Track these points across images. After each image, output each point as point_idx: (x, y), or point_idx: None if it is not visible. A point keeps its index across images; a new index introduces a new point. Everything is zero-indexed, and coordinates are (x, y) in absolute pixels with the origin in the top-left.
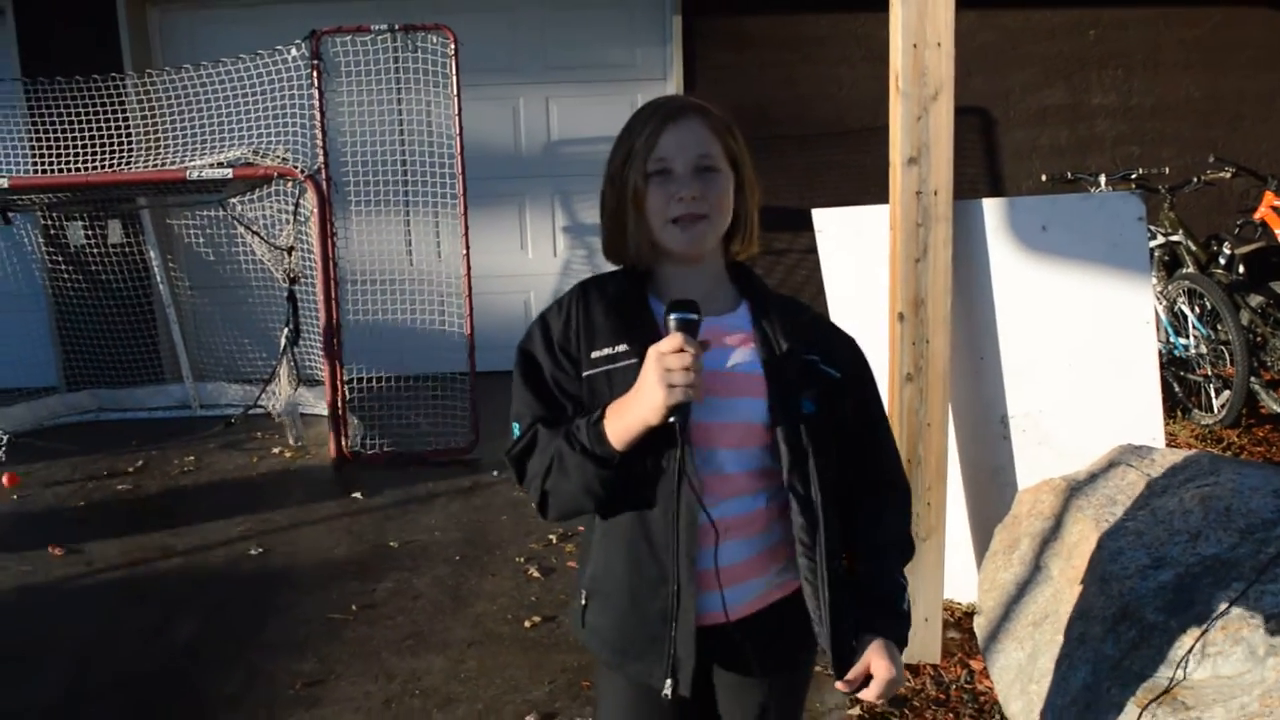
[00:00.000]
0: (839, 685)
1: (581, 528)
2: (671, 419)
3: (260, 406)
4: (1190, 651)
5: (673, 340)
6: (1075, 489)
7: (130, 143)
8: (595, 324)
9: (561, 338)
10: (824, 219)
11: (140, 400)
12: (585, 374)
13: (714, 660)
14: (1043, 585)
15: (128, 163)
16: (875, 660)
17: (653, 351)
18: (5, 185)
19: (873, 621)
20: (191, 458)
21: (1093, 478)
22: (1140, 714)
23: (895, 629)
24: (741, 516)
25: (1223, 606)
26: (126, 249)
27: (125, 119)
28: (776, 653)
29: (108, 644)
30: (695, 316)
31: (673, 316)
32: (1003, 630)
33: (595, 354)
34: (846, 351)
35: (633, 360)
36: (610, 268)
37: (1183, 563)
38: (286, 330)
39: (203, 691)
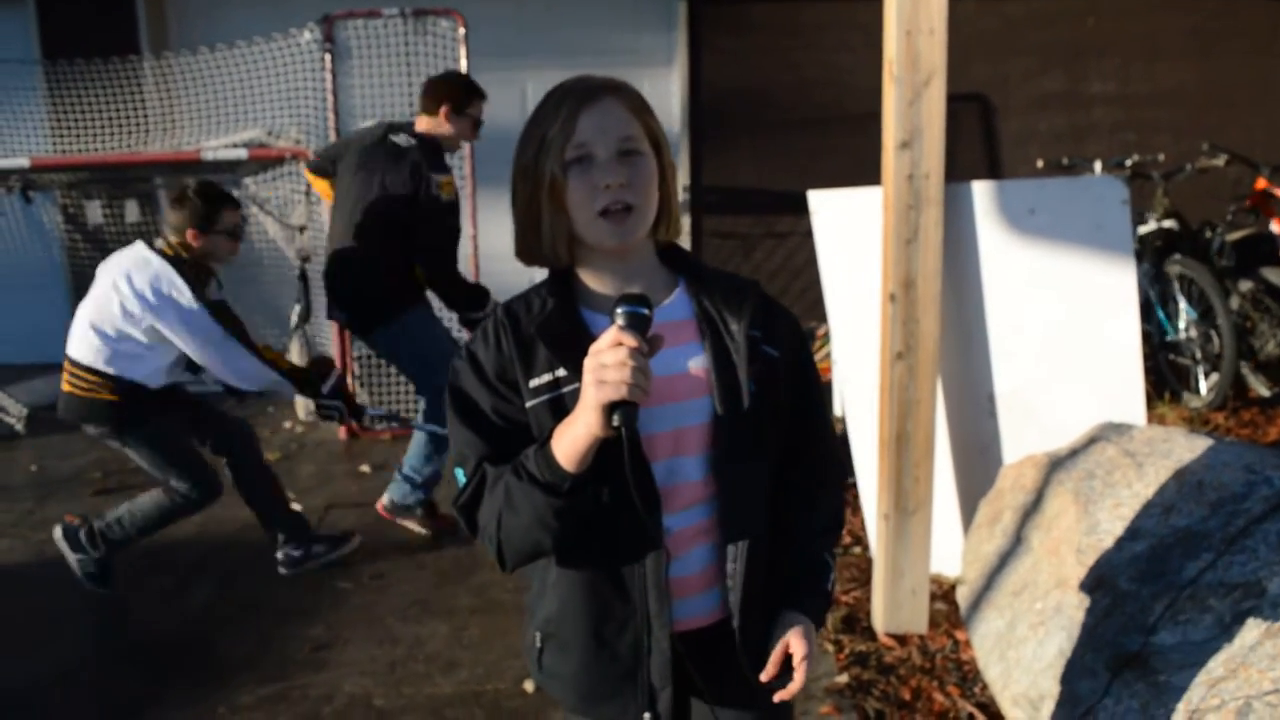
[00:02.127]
0: (762, 678)
1: None
2: (615, 424)
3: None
4: (1161, 619)
5: (607, 336)
6: (1056, 464)
7: (147, 124)
8: (528, 349)
9: (495, 367)
10: (819, 201)
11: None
12: (528, 404)
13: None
14: (1023, 556)
15: (145, 143)
16: (795, 640)
17: (590, 351)
18: (27, 165)
19: (798, 599)
20: None
21: (1074, 453)
22: (1111, 679)
23: (818, 606)
24: (698, 524)
25: (1193, 576)
26: (144, 228)
27: (142, 100)
28: (734, 668)
29: (126, 609)
30: (646, 311)
31: (620, 310)
32: (984, 599)
33: (534, 382)
34: (786, 329)
35: (575, 385)
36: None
37: (1156, 534)
38: (298, 308)
39: (218, 653)
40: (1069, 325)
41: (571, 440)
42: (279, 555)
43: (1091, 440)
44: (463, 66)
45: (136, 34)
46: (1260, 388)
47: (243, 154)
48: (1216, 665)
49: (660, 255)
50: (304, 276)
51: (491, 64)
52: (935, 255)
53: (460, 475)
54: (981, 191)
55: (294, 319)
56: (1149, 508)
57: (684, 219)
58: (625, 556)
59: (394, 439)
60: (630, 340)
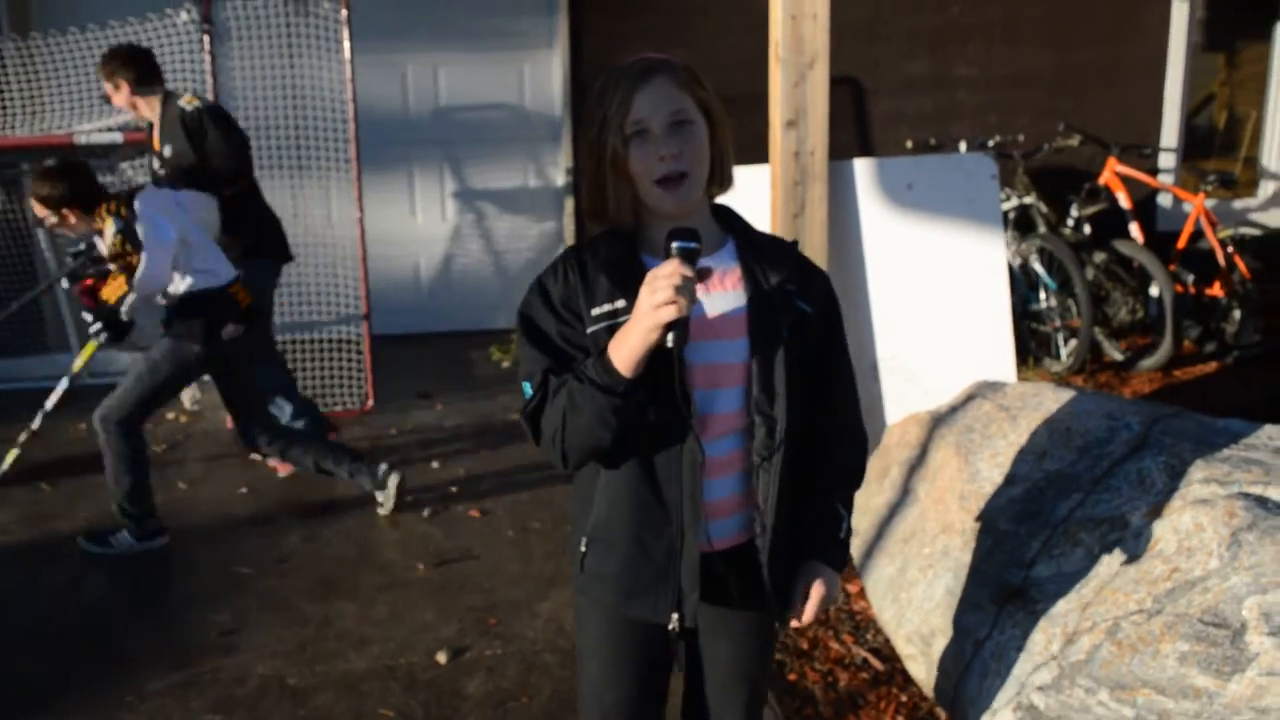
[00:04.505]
0: (793, 623)
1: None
2: (669, 341)
3: None
4: (1038, 554)
5: (668, 264)
6: (938, 420)
7: (7, 108)
8: (592, 283)
9: (562, 295)
10: None
11: (27, 370)
12: (589, 330)
13: (701, 587)
14: (911, 506)
15: (10, 128)
16: (815, 585)
17: (649, 274)
18: None
19: (815, 547)
20: (84, 426)
21: (953, 410)
22: (998, 612)
23: (834, 554)
24: (730, 454)
25: (1065, 514)
26: (9, 217)
27: (6, 82)
28: (755, 587)
29: (21, 604)
30: (695, 245)
31: (674, 245)
32: (876, 548)
33: (596, 310)
34: (820, 287)
35: (628, 316)
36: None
37: (1030, 479)
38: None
39: (121, 644)
40: (945, 293)
41: (629, 349)
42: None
43: (969, 397)
44: (345, 49)
45: None
46: (1114, 352)
47: (118, 138)
48: (1088, 592)
49: (713, 213)
50: None
51: (369, 46)
52: (821, 228)
53: (528, 388)
54: (862, 168)
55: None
56: (1023, 455)
57: (566, 201)
58: (666, 466)
59: None
60: (688, 270)
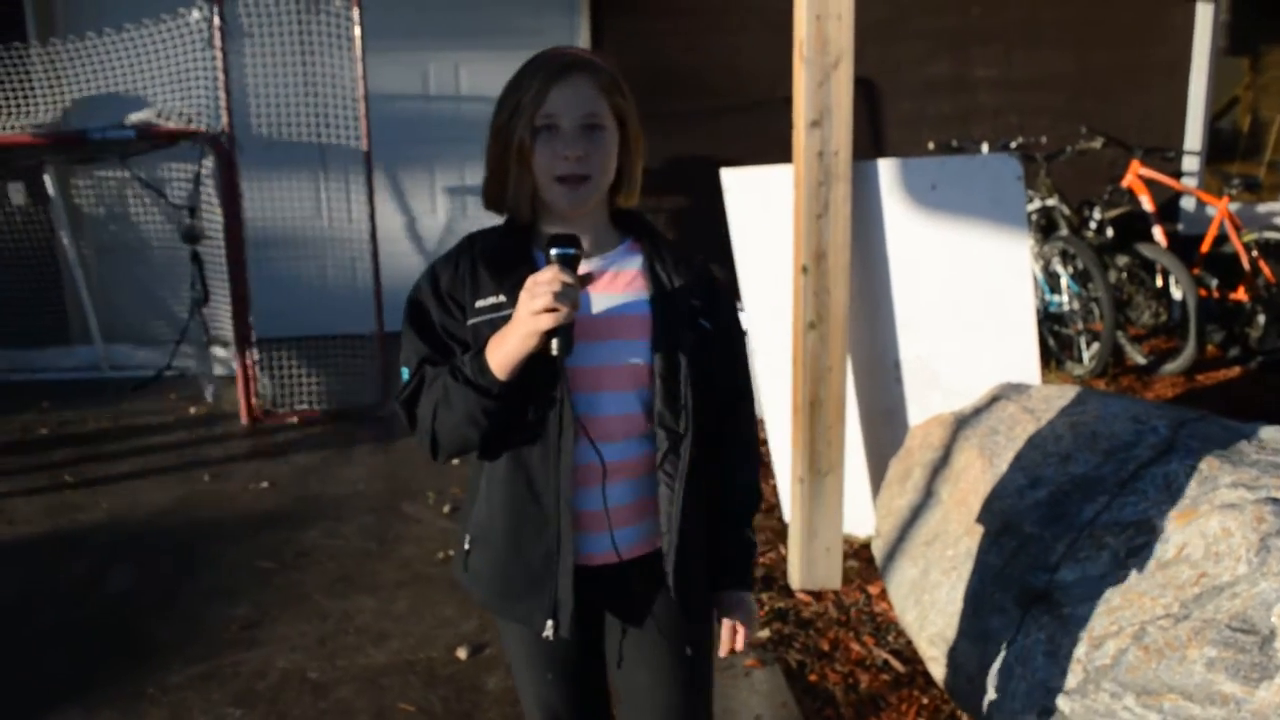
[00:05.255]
0: (722, 653)
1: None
2: (553, 349)
3: (172, 368)
4: (1063, 558)
5: (547, 270)
6: (962, 422)
7: (33, 107)
8: (479, 275)
9: (449, 285)
10: (731, 179)
11: (50, 361)
12: (470, 322)
13: (608, 602)
14: (934, 509)
15: (36, 126)
16: (741, 615)
17: (529, 280)
18: None
19: (733, 576)
20: (106, 419)
21: (977, 412)
22: (1022, 615)
23: (749, 579)
24: (632, 459)
25: (1090, 518)
26: (31, 211)
27: (30, 85)
28: (667, 605)
29: (43, 597)
30: (574, 251)
31: (553, 251)
32: (898, 550)
33: (479, 303)
34: (724, 305)
35: (511, 311)
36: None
37: (1055, 481)
38: (193, 291)
39: (144, 637)
40: (968, 294)
41: (505, 353)
42: None
43: (993, 399)
44: (357, 47)
45: (23, 22)
46: (1136, 355)
47: (130, 134)
48: (1114, 596)
49: (614, 218)
50: (197, 258)
51: (391, 45)
52: (844, 229)
53: (405, 374)
54: (886, 168)
55: (189, 302)
56: (1048, 458)
57: None
58: (543, 468)
59: (304, 421)
60: (568, 278)
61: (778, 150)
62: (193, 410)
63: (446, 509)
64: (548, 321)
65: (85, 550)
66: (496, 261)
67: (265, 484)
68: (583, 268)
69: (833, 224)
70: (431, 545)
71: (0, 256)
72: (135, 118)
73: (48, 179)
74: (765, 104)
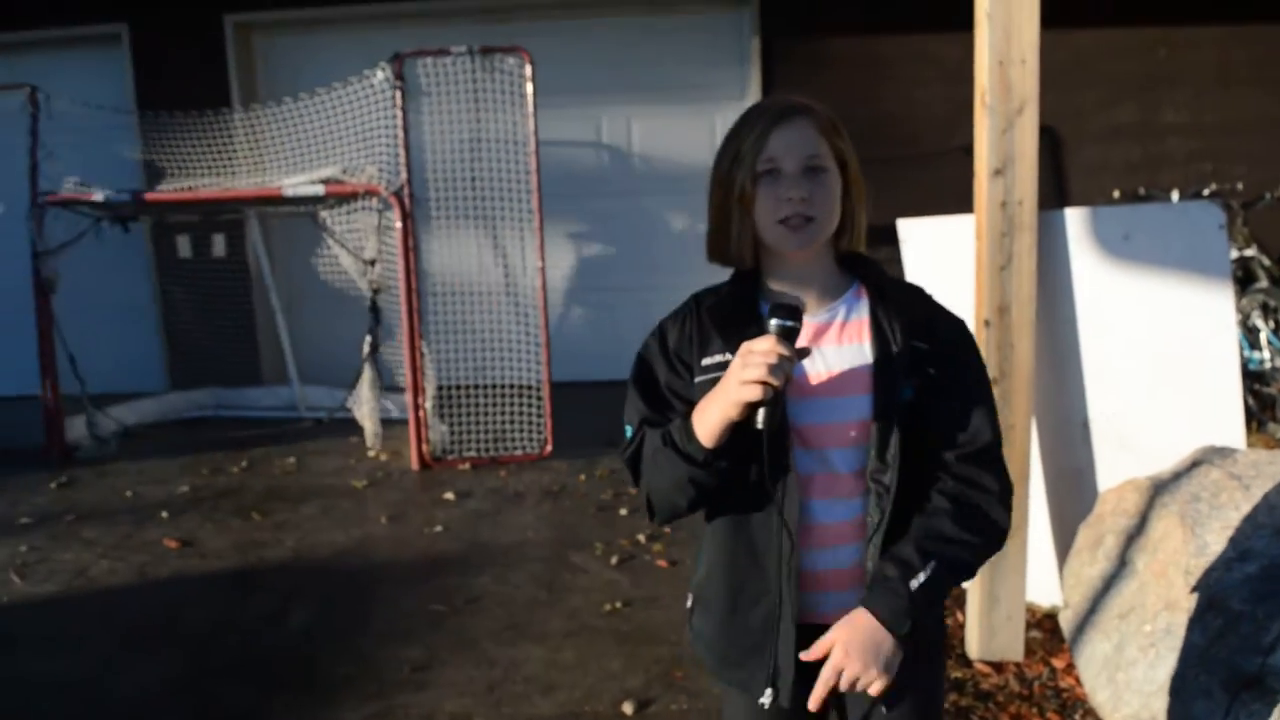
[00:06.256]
0: (803, 655)
1: (668, 530)
2: (758, 422)
3: (347, 410)
4: (1277, 639)
5: (764, 340)
6: (1159, 487)
7: (235, 164)
8: (706, 332)
9: (677, 345)
10: (909, 229)
11: (253, 400)
12: (696, 380)
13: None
14: (1128, 579)
15: (234, 181)
16: (837, 640)
17: (743, 346)
18: (129, 198)
19: (871, 595)
20: (293, 458)
21: (1176, 476)
22: (1230, 700)
23: (889, 605)
24: (851, 520)
25: None
26: (231, 259)
27: (232, 147)
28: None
29: (227, 629)
30: (794, 324)
31: (772, 322)
32: (1089, 623)
33: (706, 361)
34: (952, 335)
35: None
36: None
37: (1267, 555)
38: (369, 338)
39: (319, 672)
40: (1164, 350)
41: (710, 420)
42: None
43: (1194, 463)
44: (529, 104)
45: (225, 71)
46: None
47: (320, 190)
48: None
49: (841, 261)
50: (375, 308)
51: (563, 100)
52: (1029, 281)
53: (629, 431)
54: (1074, 218)
55: (365, 349)
56: (1259, 529)
57: None
58: (764, 531)
59: (474, 468)
60: (784, 350)
61: (952, 201)
62: (371, 453)
63: (614, 560)
64: (755, 394)
65: (269, 586)
66: (723, 318)
67: (439, 528)
68: (808, 321)
69: (1017, 276)
70: (598, 596)
71: (208, 302)
72: (323, 175)
73: (250, 231)
74: (939, 154)
